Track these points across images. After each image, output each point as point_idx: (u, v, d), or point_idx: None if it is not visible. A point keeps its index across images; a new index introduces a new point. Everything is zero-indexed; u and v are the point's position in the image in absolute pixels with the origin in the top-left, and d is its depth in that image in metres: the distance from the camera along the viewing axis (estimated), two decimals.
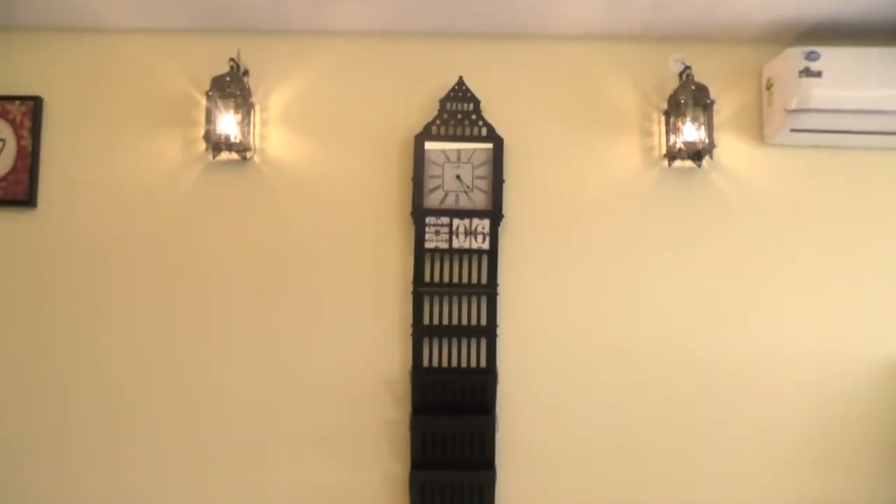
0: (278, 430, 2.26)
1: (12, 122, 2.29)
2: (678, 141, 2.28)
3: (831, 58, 2.17)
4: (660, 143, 2.34)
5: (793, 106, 2.18)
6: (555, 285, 2.29)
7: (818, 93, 2.16)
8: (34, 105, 2.30)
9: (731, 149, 2.33)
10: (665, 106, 2.32)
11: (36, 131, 2.29)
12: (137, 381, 2.27)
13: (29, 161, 2.29)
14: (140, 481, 2.25)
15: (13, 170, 2.29)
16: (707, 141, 2.26)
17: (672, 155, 2.31)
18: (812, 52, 2.18)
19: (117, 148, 2.32)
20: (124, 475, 2.25)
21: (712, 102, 2.26)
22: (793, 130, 2.25)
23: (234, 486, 2.25)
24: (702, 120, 2.26)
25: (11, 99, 2.30)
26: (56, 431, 2.26)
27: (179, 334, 2.28)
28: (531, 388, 2.27)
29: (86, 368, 2.28)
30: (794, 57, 2.19)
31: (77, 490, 2.25)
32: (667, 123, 2.32)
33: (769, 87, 2.30)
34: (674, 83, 2.31)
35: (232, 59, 2.23)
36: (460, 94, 2.27)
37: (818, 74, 2.17)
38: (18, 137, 2.29)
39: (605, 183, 2.33)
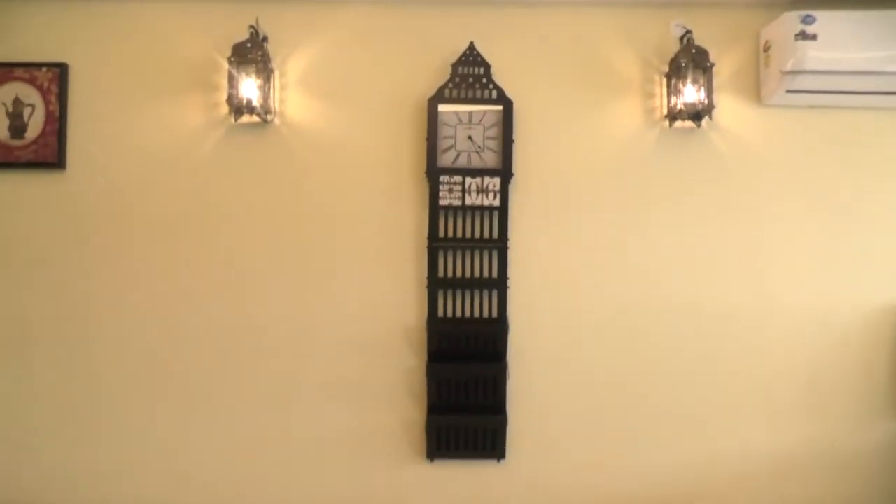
0: (302, 378, 2.39)
1: (40, 88, 2.38)
2: (679, 102, 2.37)
3: (826, 21, 2.25)
4: (661, 104, 2.44)
5: (789, 68, 2.28)
6: (562, 240, 2.41)
7: (814, 55, 2.25)
8: (60, 71, 2.39)
9: (730, 109, 2.43)
10: (667, 69, 2.41)
11: (63, 97, 2.39)
12: (164, 334, 2.39)
13: (57, 125, 2.38)
14: (169, 427, 2.38)
15: (42, 133, 2.38)
16: (706, 102, 2.36)
17: (673, 116, 2.41)
18: (808, 16, 2.27)
19: (141, 112, 2.41)
20: (153, 422, 2.38)
21: (712, 65, 2.35)
22: (789, 91, 2.34)
23: (261, 429, 2.39)
24: (701, 82, 2.36)
25: (39, 66, 2.38)
26: (85, 382, 2.38)
27: (205, 288, 2.39)
28: (540, 336, 2.39)
29: (113, 322, 2.39)
30: (790, 20, 2.27)
31: (108, 438, 2.38)
32: (668, 85, 2.42)
33: (766, 49, 2.39)
34: (675, 47, 2.40)
35: (252, 26, 2.31)
36: (471, 58, 2.36)
37: (813, 37, 2.25)
38: (46, 103, 2.38)
39: (609, 143, 2.43)
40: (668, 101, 2.42)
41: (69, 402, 2.39)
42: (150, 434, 2.39)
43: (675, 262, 2.42)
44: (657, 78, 2.44)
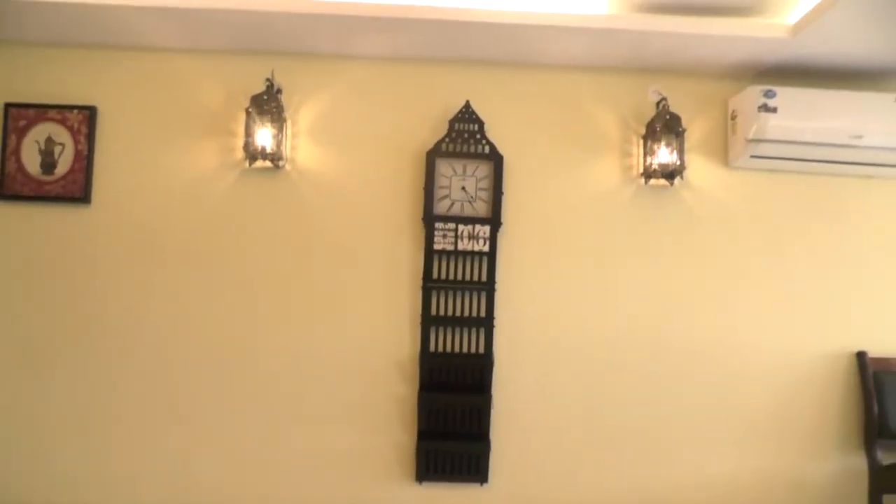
0: (304, 402, 2.58)
1: (70, 129, 2.58)
2: (653, 162, 2.60)
3: (786, 96, 2.50)
4: (637, 163, 2.67)
5: (752, 136, 2.52)
6: (545, 283, 2.63)
7: (774, 124, 2.49)
8: (90, 114, 2.59)
9: (700, 170, 2.67)
10: (643, 131, 2.65)
11: (91, 137, 2.58)
12: (179, 356, 2.57)
13: (85, 163, 2.58)
14: (178, 441, 2.55)
15: (71, 170, 2.58)
16: (679, 163, 2.59)
17: (648, 174, 2.64)
18: (769, 91, 2.51)
19: (163, 153, 2.61)
20: (164, 437, 2.55)
21: (684, 130, 2.59)
22: (753, 157, 2.59)
23: (263, 447, 2.56)
24: (674, 145, 2.59)
25: (70, 108, 2.58)
26: (104, 400, 2.55)
27: (218, 316, 2.58)
28: (523, 371, 2.60)
29: (131, 344, 2.57)
30: (754, 94, 2.52)
31: (119, 449, 2.54)
32: (644, 146, 2.65)
33: (733, 118, 2.64)
34: (651, 111, 2.64)
35: (268, 79, 2.53)
36: (467, 115, 2.59)
37: (774, 110, 2.50)
38: (76, 142, 2.58)
39: (590, 196, 2.66)
40: (644, 161, 2.65)
41: (85, 416, 2.55)
42: (160, 448, 2.56)
43: (648, 305, 2.64)
44: (634, 139, 2.67)
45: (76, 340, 2.57)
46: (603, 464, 2.60)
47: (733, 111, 2.64)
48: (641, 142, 2.65)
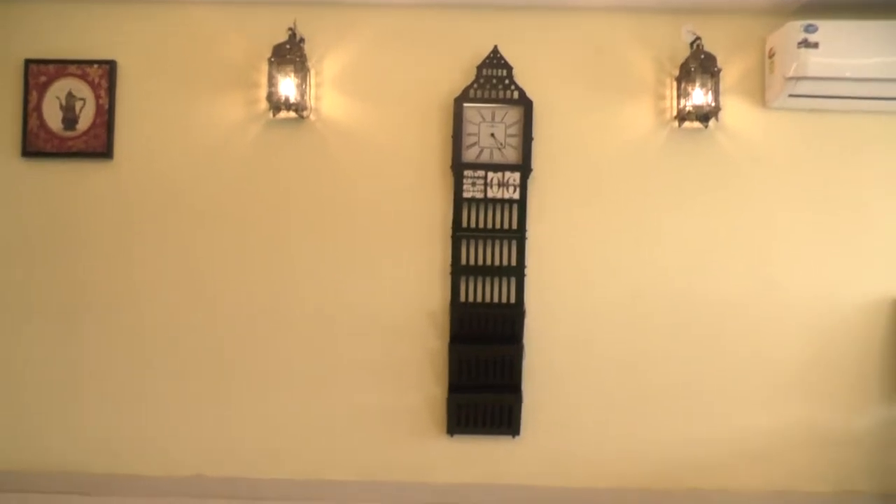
0: (334, 357, 2.56)
1: (91, 83, 2.55)
2: (688, 104, 2.51)
3: (828, 30, 2.39)
4: (671, 105, 2.58)
5: (791, 73, 2.41)
6: (577, 231, 2.57)
7: (815, 61, 2.38)
8: (110, 68, 2.55)
9: (736, 112, 2.58)
10: (677, 72, 2.55)
11: (112, 91, 2.55)
12: (206, 314, 2.56)
13: (106, 118, 2.55)
14: (208, 399, 2.55)
15: (93, 125, 2.55)
16: (713, 104, 2.50)
17: (682, 117, 2.55)
18: (810, 25, 2.40)
19: (185, 107, 2.57)
20: (194, 394, 2.55)
21: (719, 70, 2.49)
22: (791, 96, 2.48)
23: (295, 402, 2.55)
24: (709, 86, 2.50)
25: (90, 63, 2.55)
26: (130, 357, 2.55)
27: (244, 272, 2.56)
28: (554, 321, 2.55)
29: (157, 301, 2.56)
30: (793, 29, 2.41)
31: (151, 408, 2.55)
32: (678, 88, 2.56)
33: (771, 56, 2.54)
34: (685, 52, 2.54)
35: (290, 29, 2.47)
36: (495, 61, 2.51)
37: (815, 45, 2.39)
38: (97, 97, 2.55)
39: (622, 141, 2.58)
40: (678, 103, 2.56)
41: (115, 374, 2.56)
42: (191, 405, 2.56)
43: (682, 252, 2.57)
44: (668, 81, 2.58)
45: (105, 298, 2.56)
46: (636, 417, 2.55)
47: (771, 49, 2.53)
48: (675, 84, 2.56)
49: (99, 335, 2.56)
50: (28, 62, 2.55)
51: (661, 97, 2.58)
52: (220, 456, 2.55)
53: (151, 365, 2.56)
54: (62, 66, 2.54)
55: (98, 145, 2.54)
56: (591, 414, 2.56)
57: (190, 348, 2.56)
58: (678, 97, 2.56)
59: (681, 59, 2.54)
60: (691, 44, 2.55)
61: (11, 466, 2.56)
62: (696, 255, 2.57)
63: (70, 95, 2.55)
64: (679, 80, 2.55)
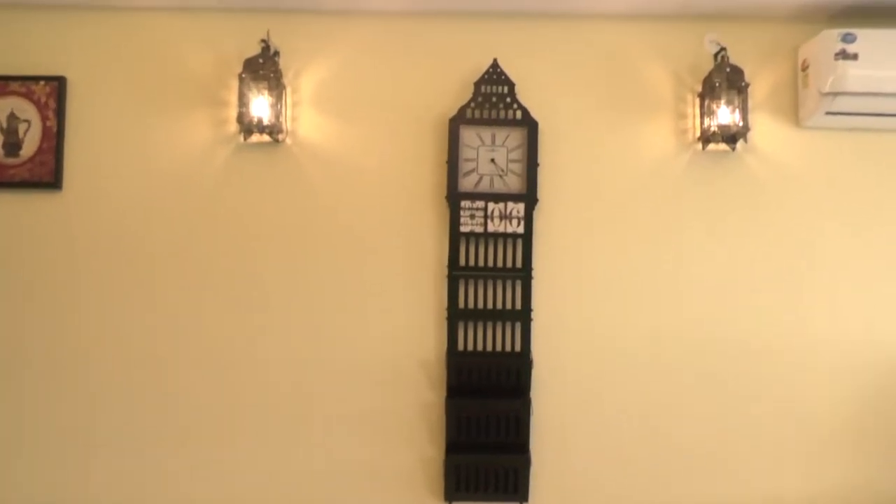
0: (313, 409, 2.30)
1: (37, 103, 2.27)
2: (712, 124, 2.27)
3: (868, 39, 2.16)
4: (694, 125, 2.33)
5: (828, 88, 2.17)
6: (589, 269, 2.31)
7: (854, 74, 2.15)
8: (58, 85, 2.28)
9: (766, 131, 2.33)
10: (700, 88, 2.31)
11: (61, 112, 2.28)
12: (169, 360, 2.30)
13: (54, 142, 2.27)
14: (171, 455, 2.28)
15: (38, 151, 2.27)
16: (741, 124, 2.26)
17: (706, 138, 2.30)
18: (848, 35, 2.16)
19: (145, 129, 2.31)
20: (156, 451, 2.28)
21: (747, 85, 2.25)
22: (828, 113, 2.24)
23: (270, 460, 2.29)
24: (736, 103, 2.25)
25: (36, 79, 2.28)
26: (81, 406, 2.28)
27: (213, 316, 2.30)
28: (565, 371, 2.29)
29: (112, 348, 2.29)
30: (829, 39, 2.17)
31: (106, 465, 2.28)
32: (701, 106, 2.31)
33: (805, 68, 2.28)
34: (709, 64, 2.30)
35: (263, 40, 2.21)
36: (495, 76, 2.26)
37: (854, 57, 2.15)
38: (43, 118, 2.27)
39: (639, 166, 2.33)
40: (701, 123, 2.31)
41: (63, 427, 2.29)
42: (153, 463, 2.28)
43: (708, 292, 2.32)
44: (690, 97, 2.33)
45: (51, 345, 2.29)
46: (656, 479, 2.29)
47: (804, 60, 2.28)
48: (698, 101, 2.30)
49: (42, 391, 2.28)
50: None
51: (682, 116, 2.33)
52: None
53: (108, 415, 2.28)
54: (3, 84, 2.27)
55: (45, 174, 2.26)
56: (607, 476, 2.29)
57: (151, 397, 2.28)
58: (701, 116, 2.31)
59: (704, 73, 2.29)
60: (715, 55, 2.30)
61: None
62: (723, 293, 2.31)
63: (12, 117, 2.27)
64: (702, 96, 2.30)
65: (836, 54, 2.16)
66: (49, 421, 2.29)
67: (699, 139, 2.33)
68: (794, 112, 2.33)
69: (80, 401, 2.30)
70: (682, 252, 2.33)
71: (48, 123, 2.27)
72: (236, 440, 2.29)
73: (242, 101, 2.19)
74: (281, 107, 2.23)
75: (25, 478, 2.28)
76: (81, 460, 2.29)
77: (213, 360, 2.30)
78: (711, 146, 2.32)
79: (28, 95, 2.27)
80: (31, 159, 2.27)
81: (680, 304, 2.32)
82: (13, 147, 2.27)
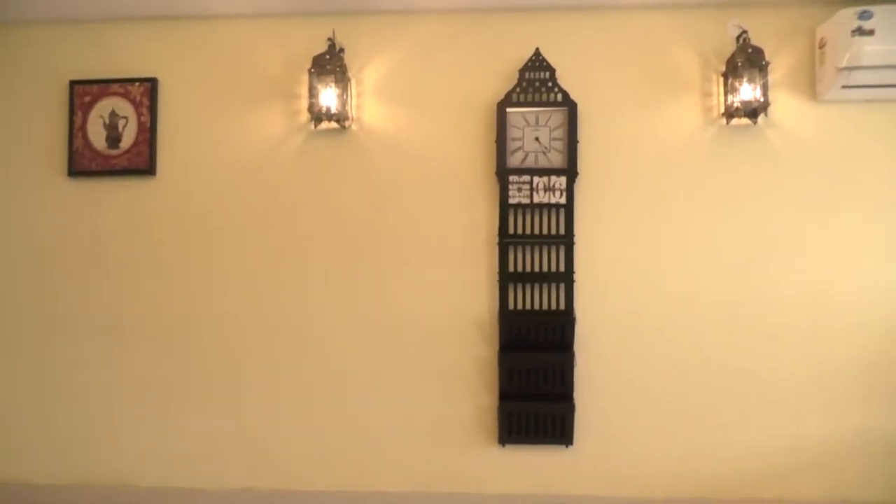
0: (380, 366, 2.53)
1: (133, 101, 2.56)
2: (735, 100, 2.44)
3: (884, 16, 2.29)
4: (718, 102, 2.51)
5: (844, 64, 2.32)
6: (625, 235, 2.51)
7: (871, 49, 2.28)
8: (151, 85, 2.57)
9: (786, 106, 2.50)
10: (723, 68, 2.48)
11: (153, 109, 2.56)
12: (251, 324, 2.56)
13: (148, 135, 2.56)
14: (252, 411, 2.54)
15: (135, 143, 2.56)
16: (762, 99, 2.42)
17: (730, 113, 2.48)
18: (865, 12, 2.30)
19: (226, 121, 2.58)
20: (239, 407, 2.55)
21: (767, 64, 2.42)
22: (844, 87, 2.39)
23: (341, 413, 2.54)
24: (757, 80, 2.42)
25: (132, 81, 2.57)
26: (173, 371, 2.56)
27: (290, 287, 2.55)
28: (606, 327, 2.49)
29: (206, 320, 2.56)
30: (846, 17, 2.32)
31: (195, 422, 2.55)
32: (725, 84, 2.49)
33: (822, 46, 2.45)
34: (731, 47, 2.47)
35: (329, 39, 2.45)
36: (537, 63, 2.47)
37: (870, 33, 2.29)
38: (139, 115, 2.56)
39: (669, 141, 2.52)
40: (725, 100, 2.49)
41: (159, 390, 2.57)
42: (235, 421, 2.55)
43: (733, 255, 2.49)
44: (714, 77, 2.51)
45: (149, 314, 2.57)
46: (691, 425, 2.48)
47: (822, 39, 2.44)
48: (722, 80, 2.48)
49: (145, 350, 2.57)
50: (73, 83, 2.57)
51: (708, 94, 2.51)
52: (269, 468, 2.54)
53: (199, 379, 2.56)
54: (105, 86, 2.56)
55: (141, 162, 2.55)
56: (645, 422, 2.49)
57: (237, 361, 2.55)
58: (725, 93, 2.49)
59: (727, 55, 2.47)
60: (737, 38, 2.47)
61: (59, 481, 2.58)
62: (748, 256, 2.49)
63: (113, 114, 2.56)
64: (726, 75, 2.48)
65: (853, 31, 2.30)
66: (147, 386, 2.57)
67: (723, 115, 2.50)
68: (811, 88, 2.49)
69: (175, 366, 2.57)
70: (710, 217, 2.50)
71: (143, 119, 2.56)
72: (316, 393, 2.54)
73: (312, 93, 2.44)
74: (347, 97, 2.47)
75: (130, 432, 2.57)
76: (173, 413, 2.56)
77: (289, 327, 2.55)
78: (735, 121, 2.50)
79: (125, 95, 2.56)
80: (129, 150, 2.56)
81: (709, 264, 2.49)
82: (114, 140, 2.56)
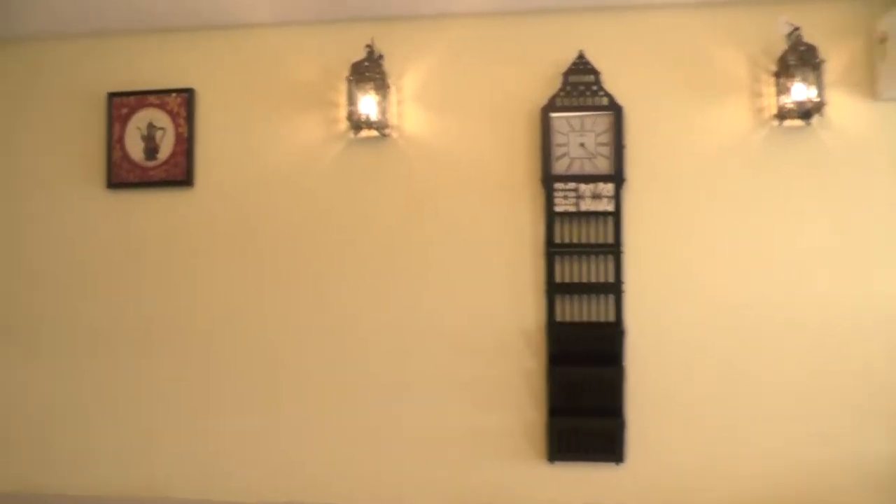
0: (424, 377, 2.47)
1: (170, 113, 2.55)
2: (788, 101, 2.35)
3: None
4: (770, 103, 2.41)
5: None
6: (675, 242, 2.42)
7: None
8: (188, 96, 2.55)
9: (842, 106, 2.39)
10: (774, 67, 2.39)
11: (190, 119, 2.54)
12: (286, 334, 2.52)
13: (186, 146, 2.54)
14: (286, 423, 2.50)
15: (173, 154, 2.55)
16: (817, 99, 2.32)
17: (782, 114, 2.39)
18: None
19: (264, 131, 2.55)
20: (271, 418, 2.50)
21: (822, 61, 2.32)
22: None
23: (380, 425, 2.48)
24: (811, 79, 2.32)
25: (168, 92, 2.55)
26: (206, 381, 2.53)
27: (327, 292, 2.51)
28: (656, 339, 2.40)
29: (244, 330, 2.53)
30: None
31: (225, 432, 2.51)
32: (776, 84, 2.39)
33: (883, 41, 2.34)
34: (782, 45, 2.37)
35: (368, 45, 2.41)
36: (581, 66, 2.41)
37: None
38: (176, 125, 2.54)
39: (719, 144, 2.43)
40: (777, 101, 2.39)
41: (194, 401, 2.55)
42: (271, 432, 2.50)
43: (787, 262, 2.39)
44: (765, 77, 2.42)
45: (184, 325, 2.55)
46: (746, 440, 2.37)
47: (882, 34, 2.33)
48: (773, 80, 2.39)
49: (180, 362, 2.54)
50: (110, 95, 2.56)
51: (759, 95, 2.42)
52: (304, 482, 2.49)
53: (234, 391, 2.52)
54: (142, 97, 2.55)
55: (178, 173, 2.53)
56: (699, 438, 2.38)
57: (273, 373, 2.51)
58: (777, 94, 2.39)
59: (778, 53, 2.37)
60: (789, 35, 2.37)
61: (94, 492, 2.55)
62: (804, 263, 2.38)
63: (150, 125, 2.55)
64: (777, 75, 2.39)
65: None
66: (180, 396, 2.54)
67: (775, 116, 2.40)
68: (870, 86, 2.38)
69: (210, 377, 2.54)
70: (763, 223, 2.40)
71: (180, 130, 2.54)
72: (357, 405, 2.48)
73: (351, 101, 2.40)
74: (386, 104, 2.43)
75: (166, 444, 2.54)
76: (203, 423, 2.53)
77: (329, 336, 2.50)
78: (788, 122, 2.40)
79: (162, 106, 2.55)
80: (167, 161, 2.55)
81: (761, 273, 2.39)
82: (152, 151, 2.55)
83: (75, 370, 2.59)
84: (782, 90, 2.37)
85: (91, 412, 2.57)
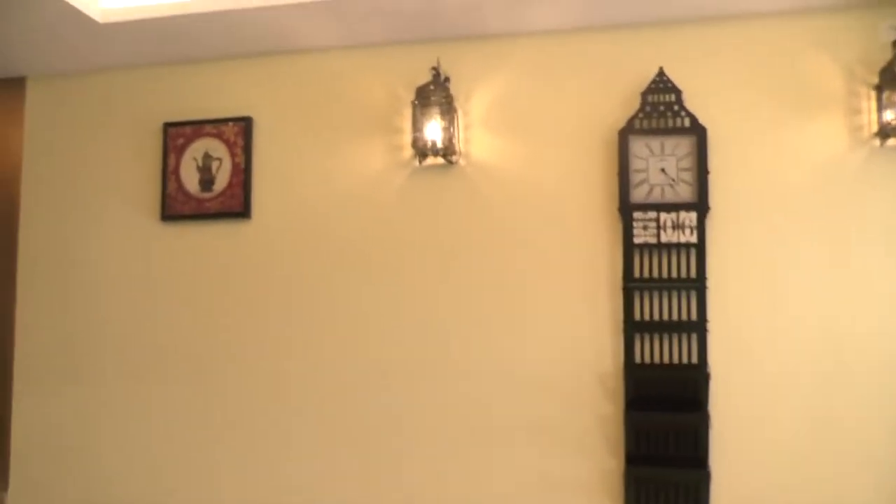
0: (494, 420, 2.33)
1: (227, 142, 2.48)
2: (892, 117, 2.12)
3: None
4: (869, 120, 2.20)
5: None
6: (765, 277, 2.22)
7: None
8: (245, 125, 2.47)
9: None
10: (876, 80, 2.17)
11: (248, 149, 2.47)
12: (353, 374, 2.41)
13: (242, 176, 2.47)
14: (355, 470, 2.38)
15: (229, 185, 2.48)
16: None
17: (885, 133, 2.16)
18: None
19: (324, 160, 2.46)
20: (338, 462, 2.40)
21: None
22: None
23: (448, 474, 2.34)
24: None
25: (225, 121, 2.49)
26: (275, 420, 2.44)
27: (394, 331, 2.40)
28: (743, 384, 2.20)
29: (306, 364, 2.44)
30: None
31: (296, 471, 2.42)
32: (878, 98, 2.17)
33: None
34: (886, 54, 2.16)
35: (434, 68, 2.29)
36: (661, 85, 2.23)
37: None
38: (233, 155, 2.48)
39: (812, 167, 2.22)
40: (879, 117, 2.17)
41: (255, 435, 2.45)
42: (336, 465, 2.40)
43: (891, 298, 2.15)
44: (864, 90, 2.20)
45: (240, 359, 2.48)
46: (842, 495, 2.14)
47: None
48: (874, 93, 2.17)
49: (237, 395, 2.47)
50: (166, 125, 2.51)
51: (856, 111, 2.20)
52: None
53: (294, 428, 2.43)
54: (198, 127, 2.49)
55: (235, 205, 2.46)
56: (791, 493, 2.17)
57: (335, 407, 2.41)
58: (879, 109, 2.16)
59: (880, 64, 2.15)
60: (894, 43, 2.15)
61: None
62: None
63: (206, 156, 2.49)
64: (880, 88, 2.16)
65: None
66: (238, 429, 2.46)
67: (877, 134, 2.19)
68: None
69: (270, 411, 2.45)
70: (860, 256, 2.19)
71: (237, 160, 2.47)
72: (417, 446, 2.36)
73: (416, 127, 2.28)
74: (453, 129, 2.30)
75: (226, 467, 2.47)
76: (277, 459, 2.44)
77: (393, 373, 2.39)
78: (891, 141, 2.18)
79: (219, 136, 2.48)
80: (223, 192, 2.48)
81: (861, 310, 2.17)
82: (207, 183, 2.48)
83: (129, 399, 2.54)
84: (885, 105, 2.15)
85: (152, 445, 2.51)
